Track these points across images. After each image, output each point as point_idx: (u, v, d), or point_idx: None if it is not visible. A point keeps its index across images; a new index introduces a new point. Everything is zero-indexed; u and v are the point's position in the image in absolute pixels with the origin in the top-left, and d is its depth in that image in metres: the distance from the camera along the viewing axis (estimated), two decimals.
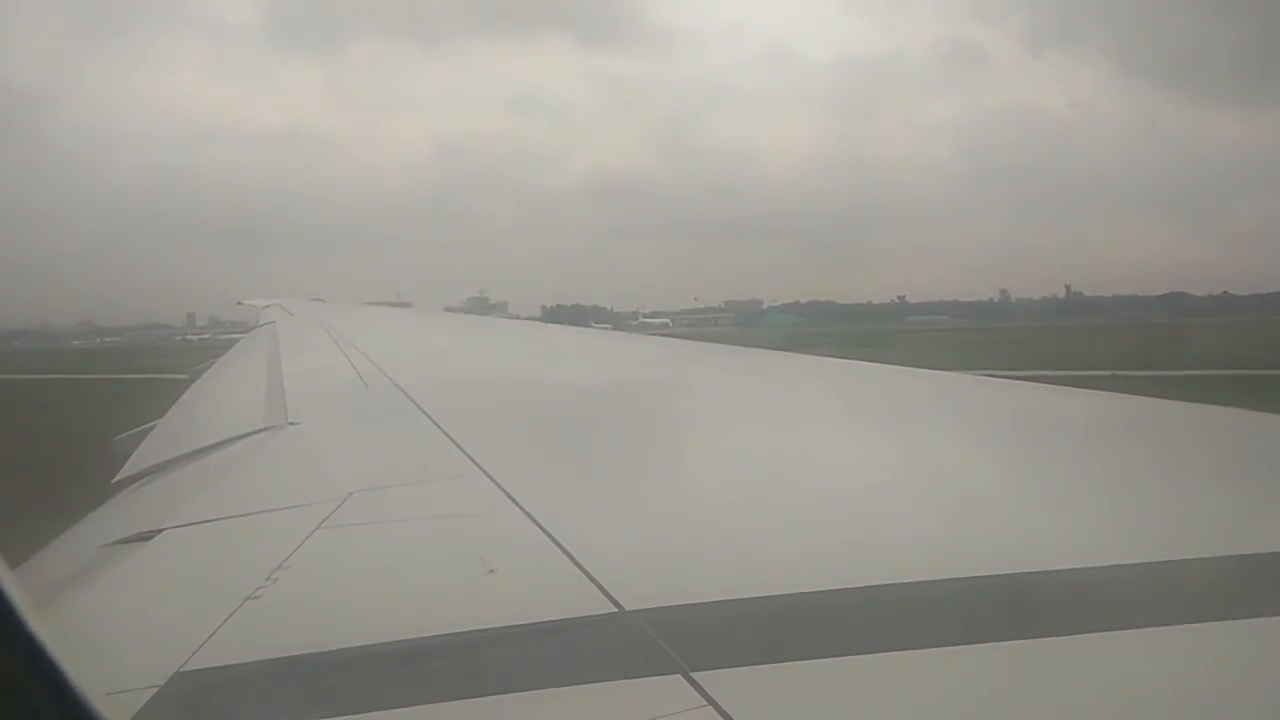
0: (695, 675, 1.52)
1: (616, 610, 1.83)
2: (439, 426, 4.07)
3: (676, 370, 7.10)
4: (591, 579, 1.98)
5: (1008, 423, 4.26)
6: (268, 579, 2.17)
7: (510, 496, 2.74)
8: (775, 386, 5.96)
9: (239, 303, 21.31)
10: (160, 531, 2.85)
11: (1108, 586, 1.88)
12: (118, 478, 4.64)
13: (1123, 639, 1.63)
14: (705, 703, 1.45)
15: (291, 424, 4.65)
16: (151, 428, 6.37)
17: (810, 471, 3.27)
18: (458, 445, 3.60)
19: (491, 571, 2.15)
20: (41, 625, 1.03)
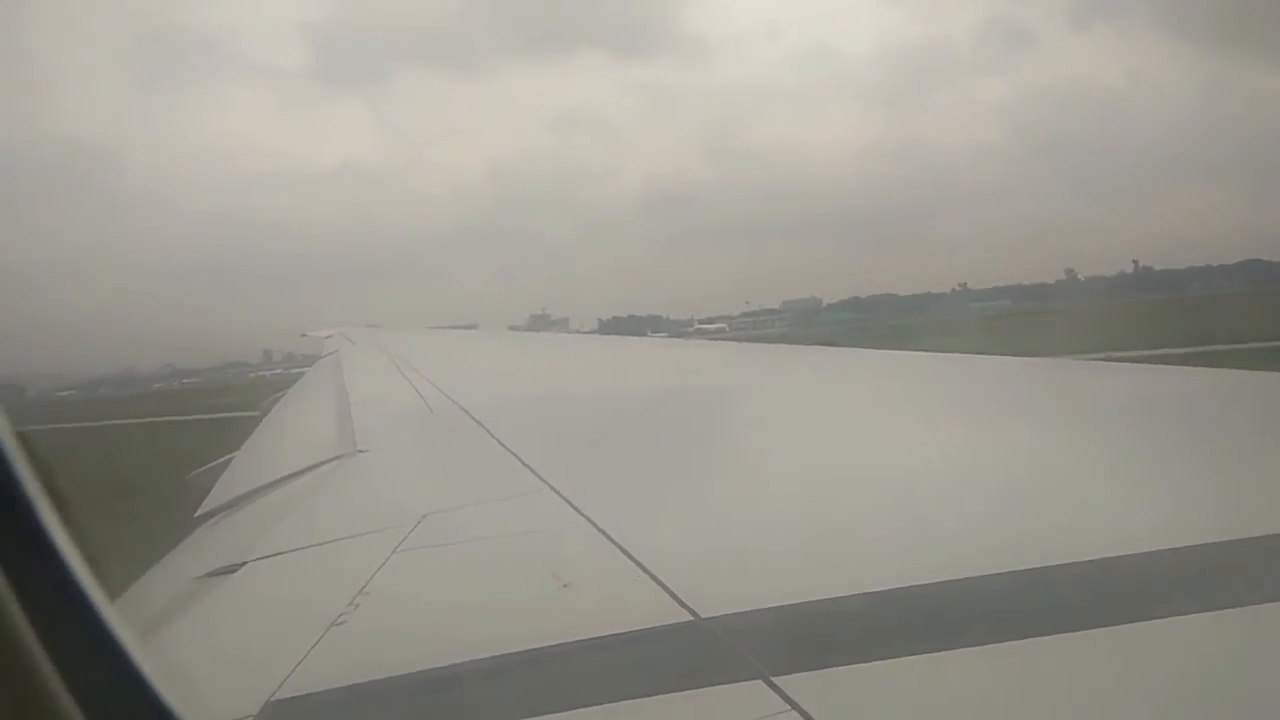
0: (776, 680, 1.51)
1: (693, 618, 1.82)
2: (503, 444, 4.12)
3: (732, 374, 7.06)
4: (665, 588, 1.99)
5: (1077, 408, 4.13)
6: (350, 605, 2.22)
7: (579, 510, 2.76)
8: (833, 384, 5.88)
9: (302, 335, 21.92)
10: (244, 564, 2.95)
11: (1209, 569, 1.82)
12: (200, 511, 4.80)
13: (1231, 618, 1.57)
14: (789, 707, 1.43)
15: (361, 451, 4.76)
16: (226, 460, 6.60)
17: (875, 468, 3.22)
18: (523, 462, 3.64)
19: (565, 586, 2.17)
20: (146, 658, 1.07)
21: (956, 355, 6.65)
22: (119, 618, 1.06)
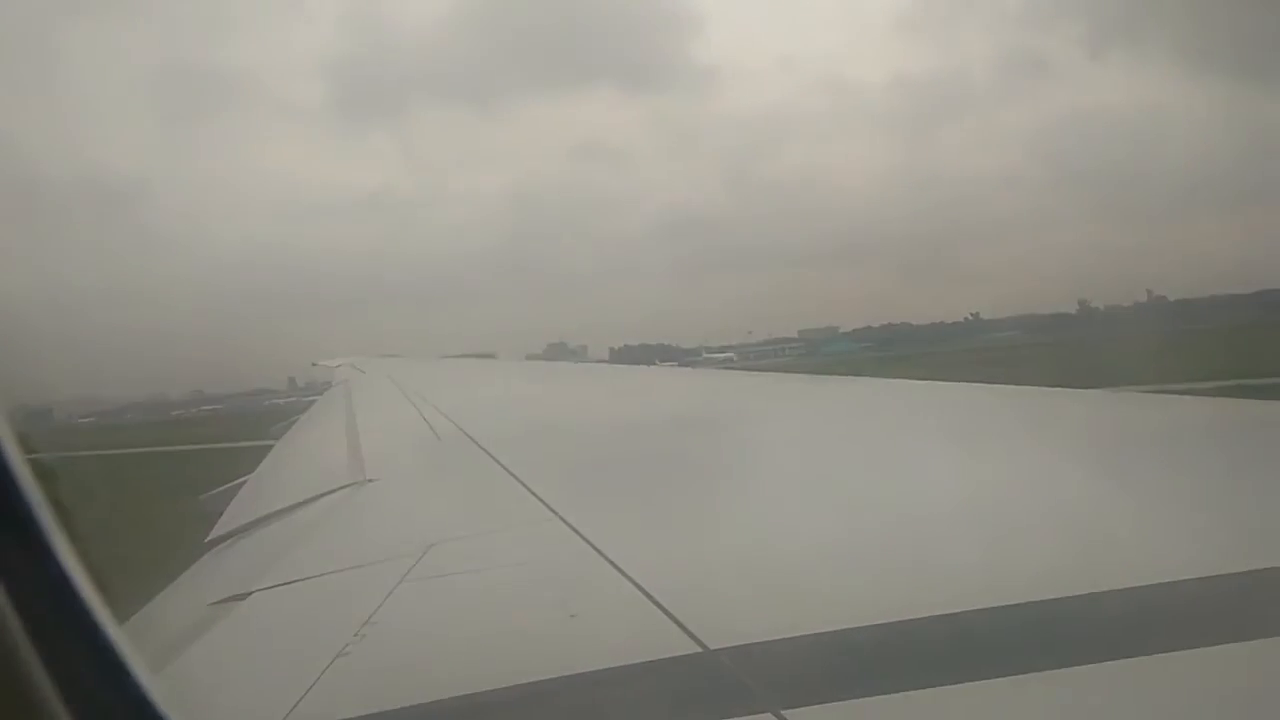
0: (786, 713, 1.50)
1: (701, 650, 1.81)
2: (512, 474, 4.11)
3: (737, 403, 7.05)
4: (674, 619, 1.97)
5: (1065, 437, 4.12)
6: (355, 635, 2.22)
7: (587, 540, 2.75)
8: (838, 413, 5.86)
9: (313, 364, 22.02)
10: (251, 593, 2.94)
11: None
12: (210, 537, 4.82)
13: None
14: None
15: (370, 480, 4.76)
16: (238, 484, 6.66)
17: (883, 497, 3.20)
18: (531, 491, 3.64)
19: (573, 617, 2.16)
20: (153, 685, 1.07)
21: (954, 384, 6.65)
22: (126, 641, 1.07)
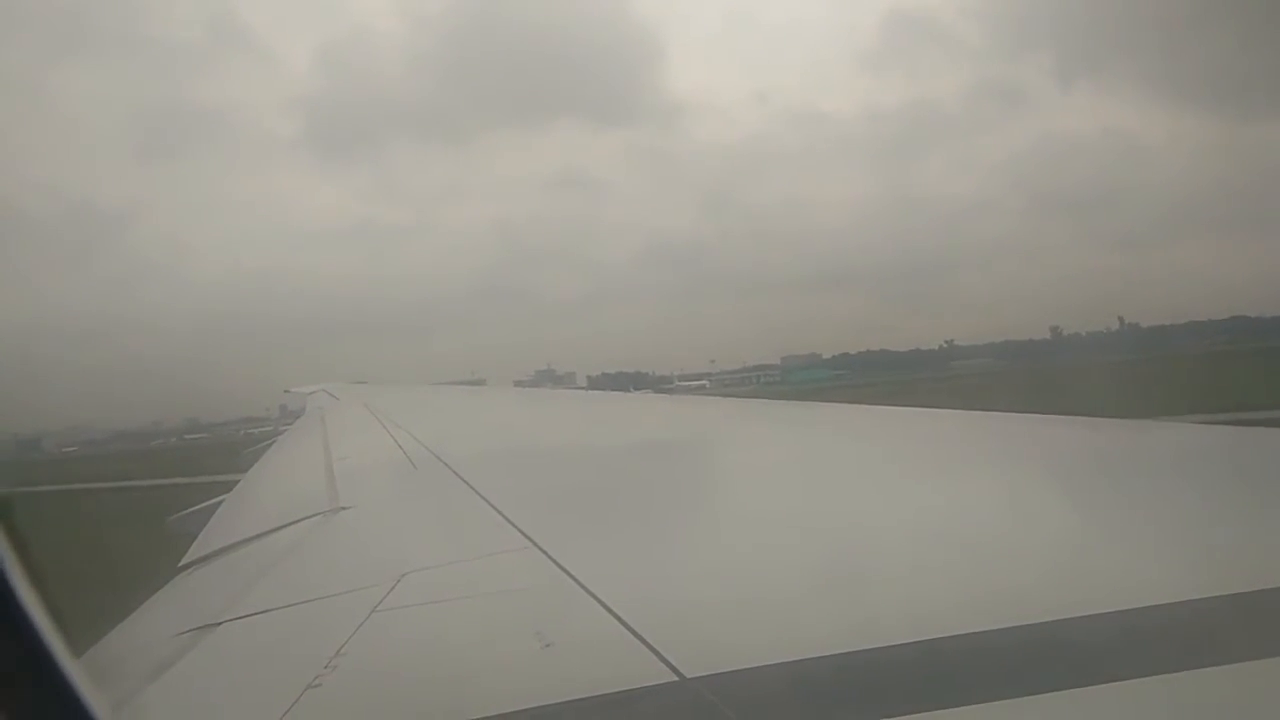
0: None
1: (678, 679, 1.79)
2: (487, 501, 4.07)
3: (710, 429, 7.07)
4: (650, 647, 1.95)
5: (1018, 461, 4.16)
6: (326, 667, 2.17)
7: (563, 567, 2.72)
8: (812, 439, 5.89)
9: (286, 391, 21.83)
10: (218, 624, 2.88)
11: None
12: (182, 563, 4.72)
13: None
14: None
15: (343, 508, 4.69)
16: (206, 506, 6.60)
17: (858, 523, 3.20)
18: (507, 519, 3.60)
19: (548, 646, 2.13)
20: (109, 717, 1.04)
21: (921, 409, 6.76)
22: (83, 676, 1.03)
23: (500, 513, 3.75)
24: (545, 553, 2.93)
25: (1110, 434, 4.75)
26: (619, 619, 2.16)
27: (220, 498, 7.35)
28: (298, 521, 4.60)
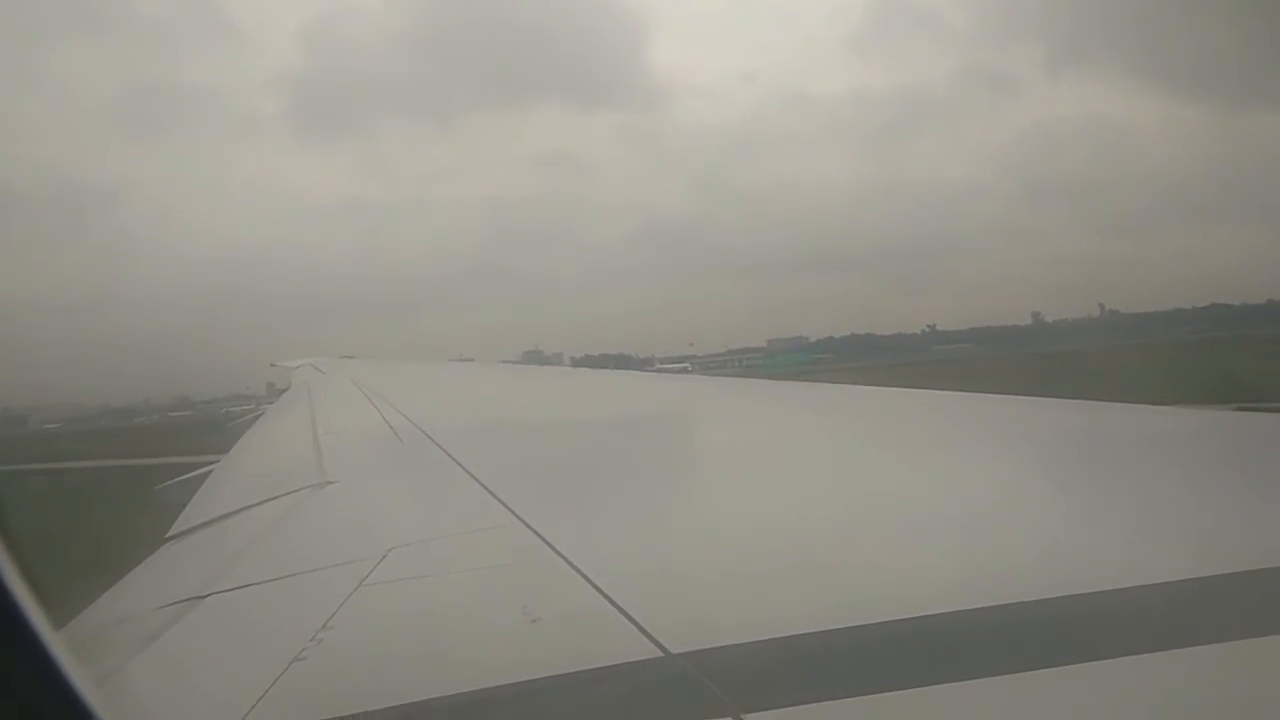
0: (747, 717, 1.49)
1: (663, 655, 1.80)
2: (474, 476, 4.07)
3: (696, 407, 7.10)
4: (635, 623, 1.96)
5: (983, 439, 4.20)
6: (311, 640, 2.17)
7: (549, 543, 2.73)
8: (796, 417, 5.92)
9: (271, 364, 21.63)
10: (202, 597, 2.87)
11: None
12: (168, 535, 4.71)
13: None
14: None
15: (329, 482, 4.68)
16: (193, 476, 6.59)
17: (846, 498, 3.22)
18: (493, 494, 3.60)
19: (534, 621, 2.14)
20: (95, 694, 1.03)
21: (906, 390, 6.89)
22: (65, 650, 1.03)
23: (486, 488, 3.75)
24: (531, 528, 2.94)
25: (1092, 416, 4.80)
26: (605, 595, 2.17)
27: (208, 468, 7.32)
28: (284, 495, 4.59)
